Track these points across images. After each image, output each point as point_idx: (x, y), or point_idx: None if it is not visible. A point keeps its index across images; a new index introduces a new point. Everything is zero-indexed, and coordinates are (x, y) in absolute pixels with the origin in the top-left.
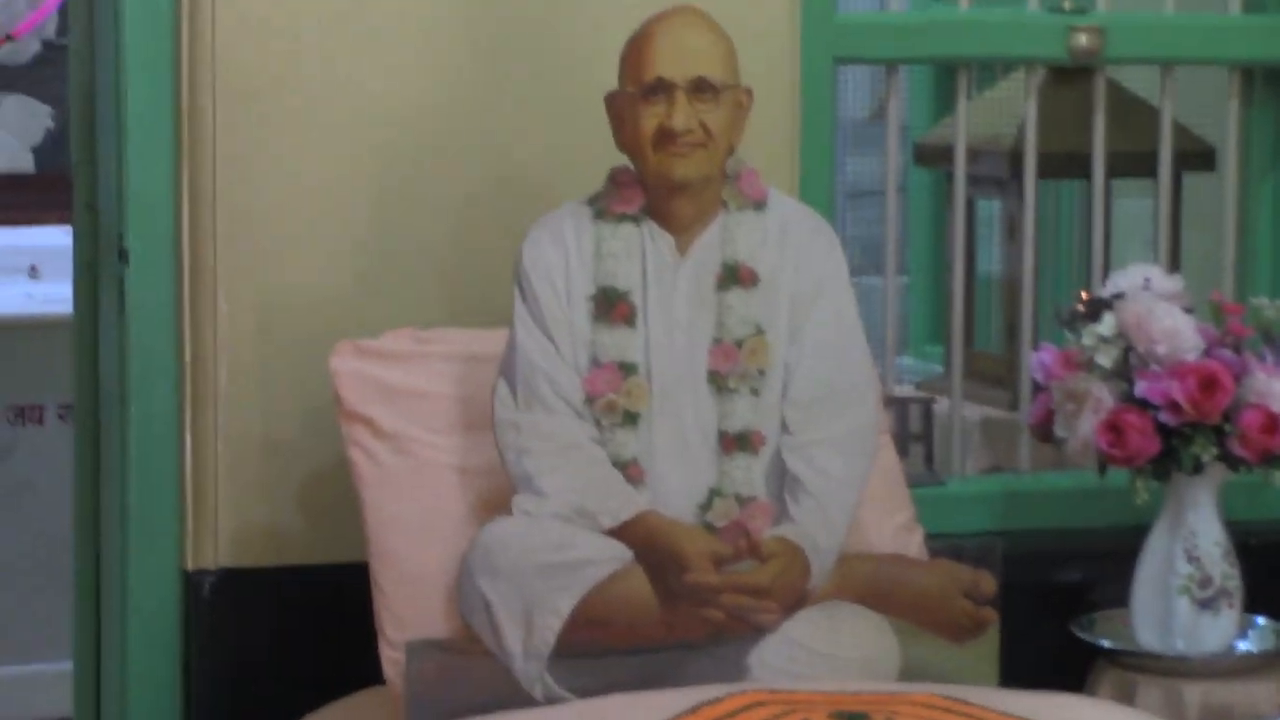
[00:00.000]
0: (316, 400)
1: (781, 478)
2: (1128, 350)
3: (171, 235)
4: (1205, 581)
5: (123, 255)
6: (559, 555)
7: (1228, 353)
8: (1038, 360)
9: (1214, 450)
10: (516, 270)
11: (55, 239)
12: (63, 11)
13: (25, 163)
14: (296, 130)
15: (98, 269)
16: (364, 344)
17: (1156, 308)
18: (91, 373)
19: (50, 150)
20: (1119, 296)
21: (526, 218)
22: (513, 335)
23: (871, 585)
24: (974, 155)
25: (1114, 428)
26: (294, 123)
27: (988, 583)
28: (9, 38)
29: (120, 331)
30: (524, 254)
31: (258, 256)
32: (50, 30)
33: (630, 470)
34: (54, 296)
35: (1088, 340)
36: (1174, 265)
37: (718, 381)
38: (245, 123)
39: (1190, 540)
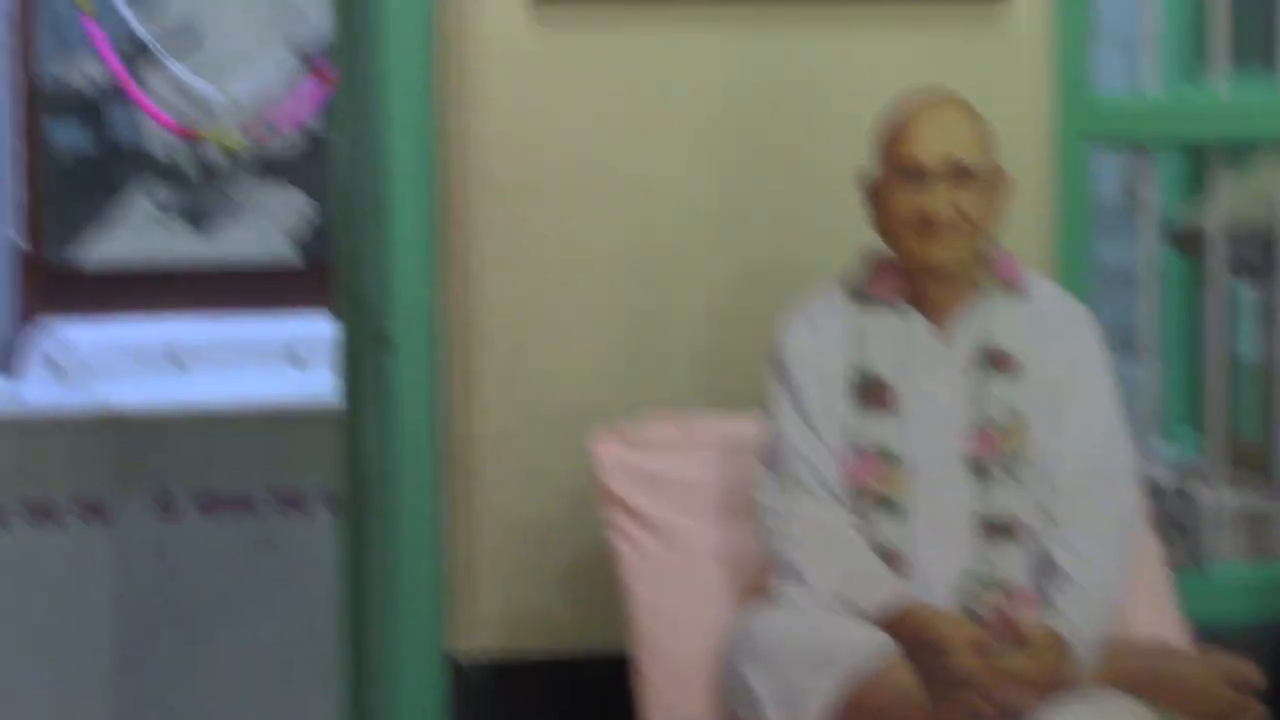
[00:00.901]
0: (577, 484)
1: (1042, 564)
2: None
3: (433, 323)
4: None
5: (386, 343)
6: (822, 643)
7: None
8: None
9: None
10: (774, 356)
11: (317, 328)
12: (324, 103)
13: (288, 253)
14: (556, 217)
15: (361, 357)
16: (625, 430)
17: None
18: (356, 460)
19: (312, 240)
20: None
21: (783, 302)
22: (772, 422)
23: (1135, 674)
24: (1228, 239)
25: None
26: (553, 210)
27: (1254, 674)
28: (272, 129)
29: (384, 418)
30: (781, 339)
31: (518, 342)
32: (312, 123)
33: (892, 557)
34: (316, 385)
35: None
36: None
37: (978, 467)
38: (506, 210)
39: None
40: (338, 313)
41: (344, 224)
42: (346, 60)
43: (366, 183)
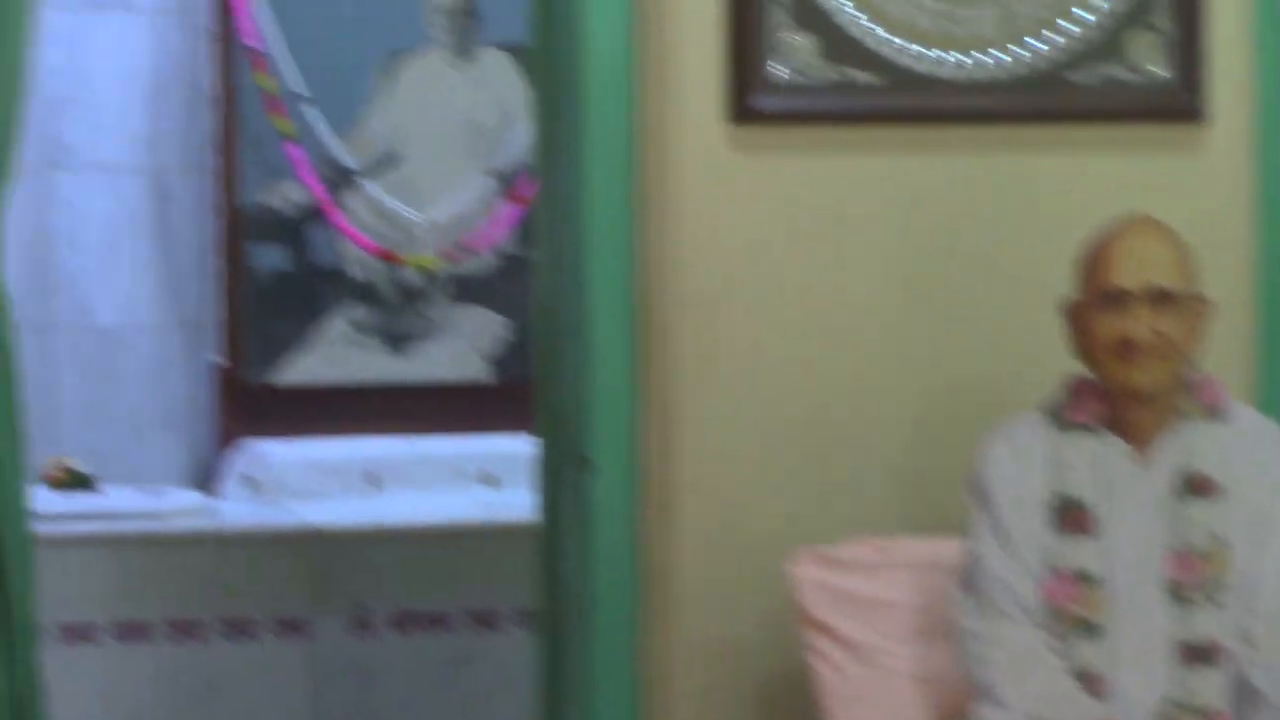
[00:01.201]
0: (774, 604)
1: (1242, 689)
2: None
3: (632, 444)
4: None
5: (585, 463)
6: None
7: None
8: None
9: None
10: (973, 479)
11: (511, 447)
12: (518, 224)
13: (482, 372)
14: (753, 335)
15: (560, 476)
16: (824, 551)
17: None
18: (553, 578)
19: (507, 360)
20: None
21: (980, 425)
22: (970, 544)
23: None
24: None
25: None
26: (751, 328)
27: None
28: (468, 251)
29: (583, 538)
30: (981, 462)
31: (716, 463)
32: (507, 243)
33: (1090, 680)
34: (511, 503)
35: None
36: None
37: (1177, 592)
38: (703, 328)
39: None
40: (537, 431)
41: (544, 342)
42: (547, 179)
43: (567, 300)
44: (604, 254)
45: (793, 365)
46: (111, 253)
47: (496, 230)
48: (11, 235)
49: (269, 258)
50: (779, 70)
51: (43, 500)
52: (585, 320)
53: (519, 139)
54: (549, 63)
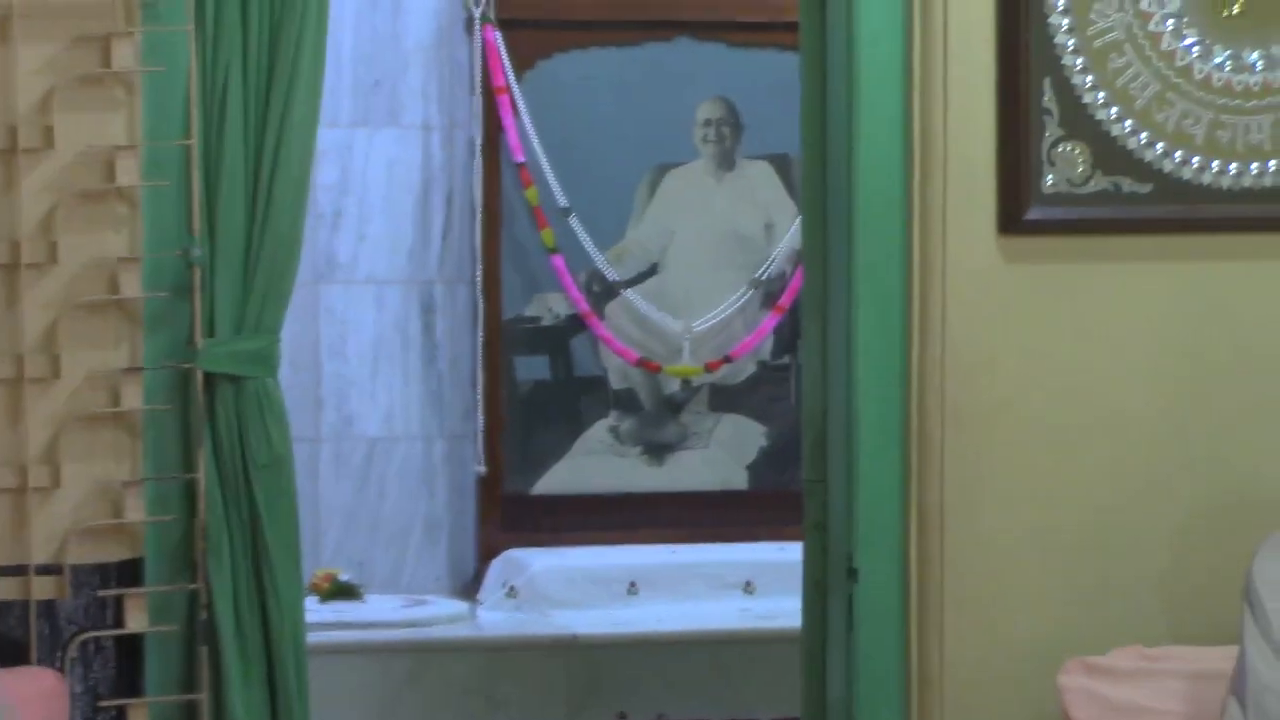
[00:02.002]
0: (1043, 715)
1: None
2: None
3: (900, 554)
4: None
5: (852, 573)
6: None
7: None
8: None
9: None
10: (1246, 586)
11: (769, 554)
12: (778, 332)
13: (739, 480)
14: (1023, 450)
15: (826, 586)
16: (1091, 661)
17: None
18: (818, 687)
19: (763, 468)
20: None
21: (1253, 533)
22: (1243, 653)
23: None
24: None
25: None
26: (1020, 442)
27: None
28: (728, 359)
29: (849, 647)
30: (1256, 570)
31: (983, 574)
32: (765, 351)
33: None
34: (770, 611)
35: None
36: None
37: None
38: (972, 444)
39: None
40: (803, 539)
41: (811, 450)
42: (816, 287)
43: (835, 409)
44: (873, 363)
45: (1062, 473)
46: (377, 364)
47: (755, 339)
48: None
49: (531, 368)
50: (1050, 180)
51: (310, 610)
52: (854, 429)
53: (779, 248)
54: (820, 172)
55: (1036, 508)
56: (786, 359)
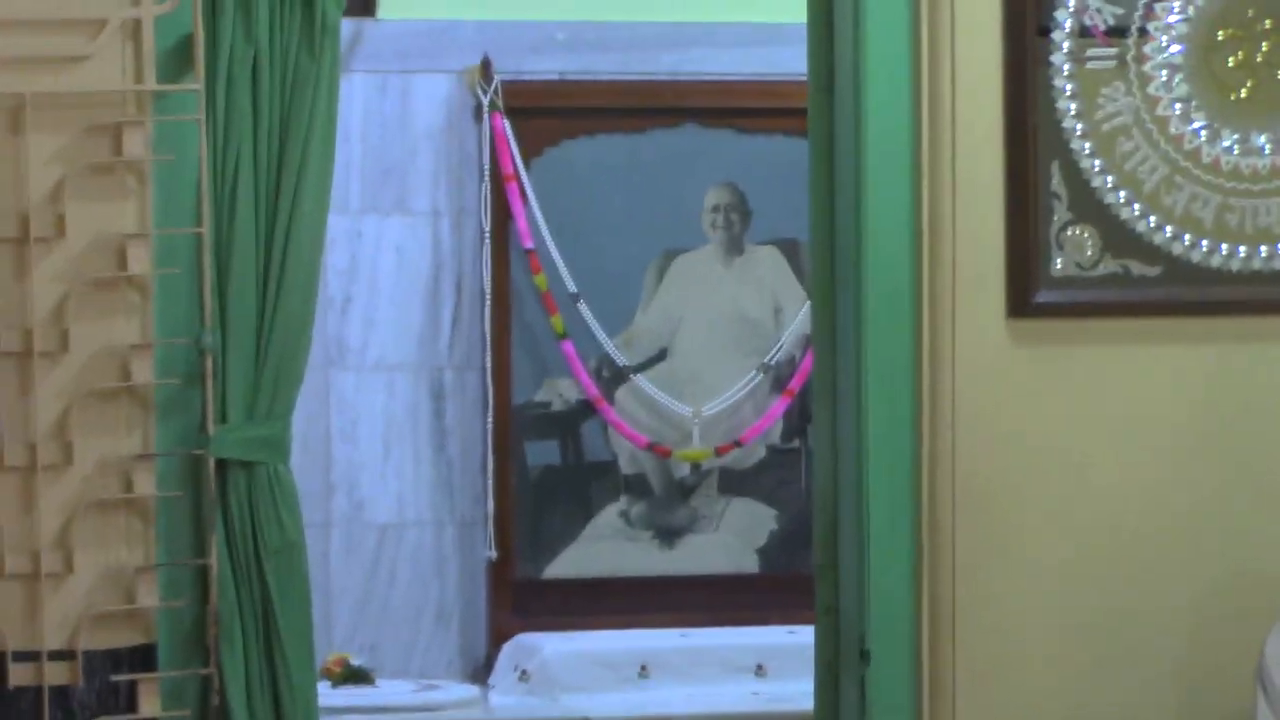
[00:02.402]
0: None
1: None
2: None
3: (912, 638)
4: None
5: (864, 656)
6: None
7: None
8: None
9: None
10: (1260, 667)
11: (780, 638)
12: (787, 416)
13: (750, 563)
14: (1034, 532)
15: (838, 668)
16: None
17: None
18: None
19: (774, 551)
20: None
21: (1268, 614)
22: None
23: None
24: None
25: None
26: (1031, 525)
27: None
28: (738, 444)
29: None
30: (1270, 652)
31: (996, 656)
32: (775, 435)
33: None
34: (781, 695)
35: None
36: None
37: None
38: (983, 527)
39: None
40: (815, 622)
41: (822, 533)
42: (826, 371)
43: (846, 493)
44: (884, 447)
45: (1074, 556)
46: (388, 449)
47: (765, 423)
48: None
49: (541, 453)
50: (1059, 264)
51: (322, 695)
52: (865, 513)
53: (788, 333)
54: (829, 258)
55: (1049, 590)
56: (796, 443)
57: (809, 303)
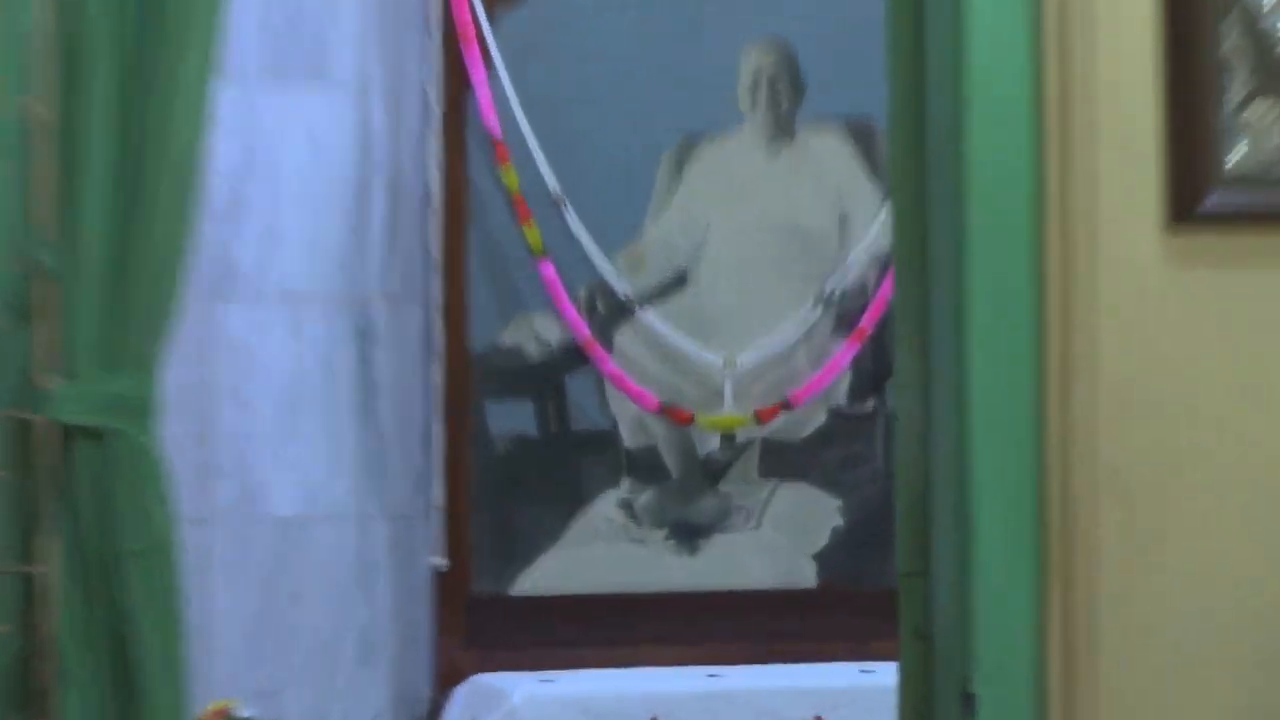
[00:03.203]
0: None
1: None
2: None
3: (1035, 676)
4: None
5: (968, 701)
6: None
7: None
8: None
9: None
10: None
11: (848, 678)
12: (857, 367)
13: (805, 574)
14: (1199, 520)
15: (930, 716)
16: None
17: None
18: None
19: (838, 557)
20: None
21: None
22: None
23: None
24: None
25: None
26: (1192, 512)
27: None
28: (787, 405)
29: None
30: None
31: (1153, 702)
32: (840, 395)
33: None
34: None
35: None
36: None
37: None
38: (1138, 521)
39: None
40: (901, 655)
41: (908, 534)
42: (911, 305)
43: (942, 476)
44: (996, 409)
45: (1249, 553)
46: (293, 414)
47: (827, 377)
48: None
49: (510, 419)
50: (1237, 154)
51: None
52: (969, 502)
53: (858, 251)
54: (916, 143)
55: (1217, 600)
56: (871, 404)
57: (887, 207)
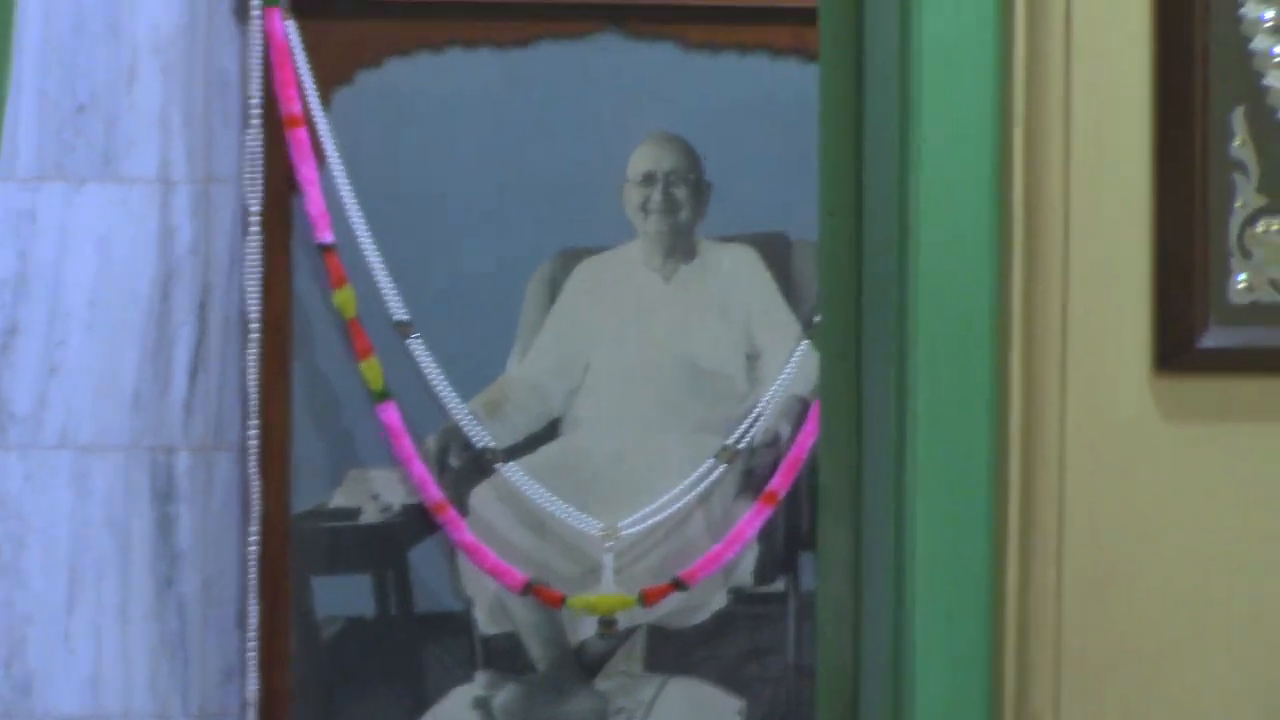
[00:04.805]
0: None
1: None
2: None
3: None
4: None
5: None
6: None
7: None
8: None
9: None
10: None
11: None
12: (767, 538)
13: None
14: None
15: None
16: None
17: None
18: None
19: None
20: None
21: None
22: None
23: None
24: None
25: None
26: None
27: None
28: (679, 585)
29: None
30: None
31: None
32: (744, 572)
33: None
34: None
35: None
36: None
37: None
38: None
39: None
40: None
41: None
42: (842, 461)
43: (873, 672)
44: (943, 588)
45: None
46: (75, 590)
47: (729, 551)
48: None
49: (341, 597)
50: (1242, 281)
51: None
52: (909, 702)
53: (771, 393)
54: (851, 261)
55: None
56: (781, 584)
57: (807, 342)
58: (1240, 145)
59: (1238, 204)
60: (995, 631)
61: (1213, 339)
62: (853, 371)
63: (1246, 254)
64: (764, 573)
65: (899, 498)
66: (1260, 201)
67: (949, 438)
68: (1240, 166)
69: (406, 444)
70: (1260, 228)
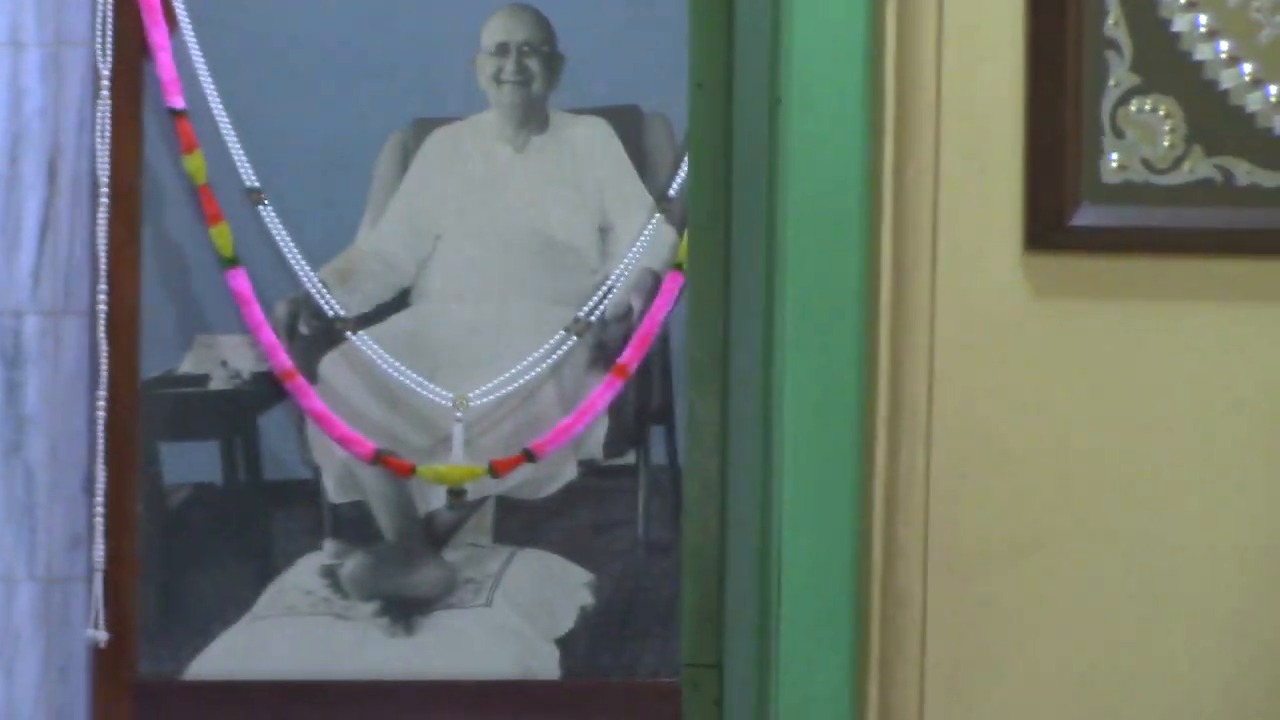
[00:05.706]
0: None
1: None
2: None
3: None
4: None
5: None
6: None
7: None
8: None
9: None
10: None
11: None
12: (617, 411)
13: (546, 662)
14: (1056, 615)
15: None
16: None
17: None
18: None
19: (588, 642)
20: None
21: None
22: None
23: None
24: None
25: None
26: (1053, 603)
27: None
28: (529, 456)
29: None
30: None
31: None
32: (595, 444)
33: None
34: None
35: None
36: None
37: None
38: (975, 607)
39: None
40: None
41: (695, 618)
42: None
43: (739, 546)
44: (809, 467)
45: (1121, 656)
46: None
47: (579, 422)
48: None
49: (188, 463)
50: (1115, 160)
51: None
52: (774, 581)
53: (623, 266)
54: (718, 136)
55: (1077, 708)
56: (632, 456)
57: (659, 215)
58: (1114, 24)
59: (1111, 83)
60: (863, 508)
61: (1084, 218)
62: (721, 244)
63: (1119, 133)
64: (614, 446)
65: (767, 373)
66: (1134, 80)
67: (818, 313)
68: (1114, 45)
69: (256, 311)
70: (1133, 107)
